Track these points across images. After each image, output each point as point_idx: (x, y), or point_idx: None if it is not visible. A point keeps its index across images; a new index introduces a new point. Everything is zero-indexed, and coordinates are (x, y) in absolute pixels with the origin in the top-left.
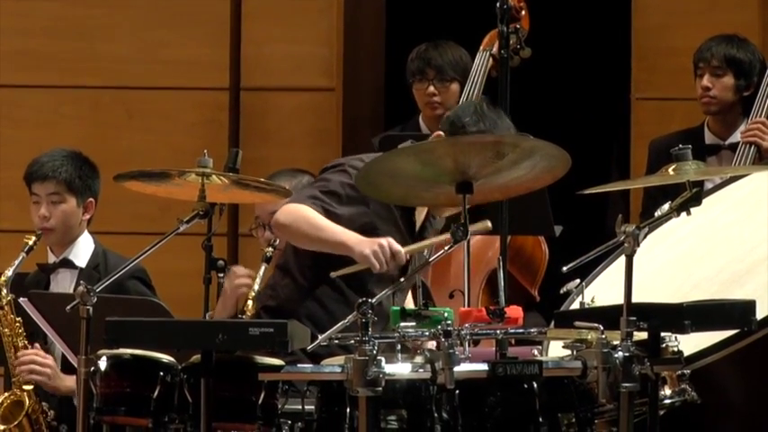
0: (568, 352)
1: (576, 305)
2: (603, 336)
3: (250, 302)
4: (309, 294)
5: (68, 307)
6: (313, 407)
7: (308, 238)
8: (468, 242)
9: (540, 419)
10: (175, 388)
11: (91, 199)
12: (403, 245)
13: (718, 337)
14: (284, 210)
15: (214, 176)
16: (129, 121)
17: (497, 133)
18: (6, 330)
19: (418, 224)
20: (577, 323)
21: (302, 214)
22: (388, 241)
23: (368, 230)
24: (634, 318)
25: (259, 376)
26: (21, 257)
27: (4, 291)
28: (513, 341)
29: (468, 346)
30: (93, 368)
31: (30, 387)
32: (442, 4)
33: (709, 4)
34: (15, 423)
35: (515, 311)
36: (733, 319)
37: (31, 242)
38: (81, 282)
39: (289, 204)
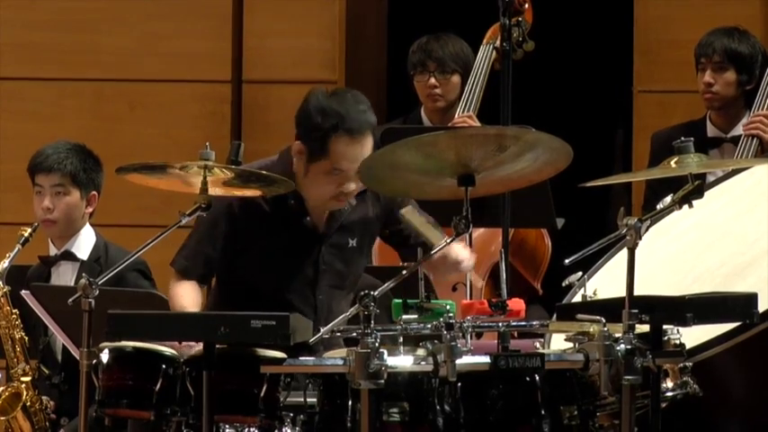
0: (570, 345)
1: (578, 298)
2: (605, 328)
3: None
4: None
5: (71, 300)
6: (315, 400)
7: None
8: (471, 235)
9: (542, 412)
10: (177, 381)
11: (94, 192)
12: (292, 247)
13: (720, 329)
14: (169, 292)
15: (216, 169)
16: (130, 114)
17: (347, 118)
18: (3, 322)
19: (320, 219)
20: (579, 316)
21: (171, 304)
22: None
23: (247, 246)
24: (636, 310)
25: (261, 369)
26: (16, 249)
27: (0, 282)
28: (515, 334)
29: (471, 338)
30: (95, 361)
31: (27, 379)
32: None
33: None
34: (12, 415)
35: (517, 304)
36: (735, 311)
37: (26, 234)
38: (83, 274)
39: (172, 287)
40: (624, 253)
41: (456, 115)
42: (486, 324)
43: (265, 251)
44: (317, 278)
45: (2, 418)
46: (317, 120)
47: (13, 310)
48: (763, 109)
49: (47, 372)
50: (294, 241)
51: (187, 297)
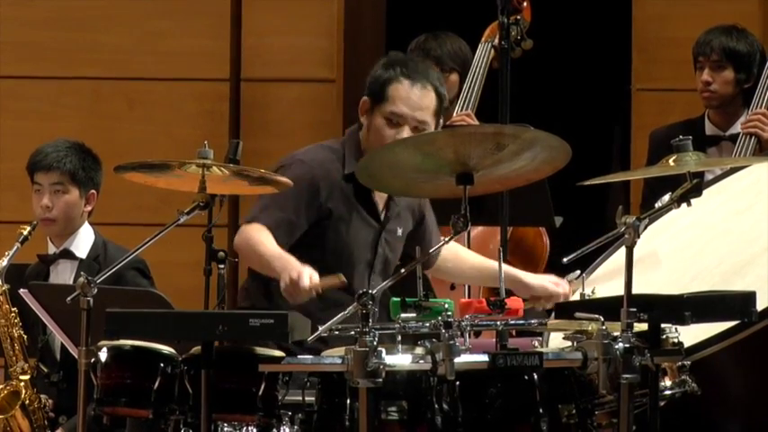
0: (569, 343)
1: (576, 296)
2: (604, 327)
3: None
4: (278, 293)
5: (69, 298)
6: (313, 398)
7: (254, 264)
8: (469, 234)
9: (541, 411)
10: (176, 379)
11: (93, 191)
12: (360, 227)
13: (719, 328)
14: (239, 235)
15: (214, 168)
16: (129, 112)
17: (409, 64)
18: (2, 321)
19: (381, 204)
20: (578, 314)
21: (247, 243)
22: (299, 274)
23: (324, 218)
24: (634, 309)
25: (259, 367)
26: (15, 248)
27: None
28: (513, 332)
29: (469, 337)
30: (93, 359)
31: (26, 378)
32: None
33: None
34: (11, 413)
35: (516, 302)
36: (733, 310)
37: (25, 232)
38: (81, 273)
39: (243, 228)
40: (622, 251)
41: (454, 114)
42: (484, 322)
43: (336, 227)
44: (374, 262)
45: (0, 417)
46: (378, 71)
47: (12, 309)
48: (761, 107)
49: (45, 370)
50: (362, 223)
51: (272, 244)
